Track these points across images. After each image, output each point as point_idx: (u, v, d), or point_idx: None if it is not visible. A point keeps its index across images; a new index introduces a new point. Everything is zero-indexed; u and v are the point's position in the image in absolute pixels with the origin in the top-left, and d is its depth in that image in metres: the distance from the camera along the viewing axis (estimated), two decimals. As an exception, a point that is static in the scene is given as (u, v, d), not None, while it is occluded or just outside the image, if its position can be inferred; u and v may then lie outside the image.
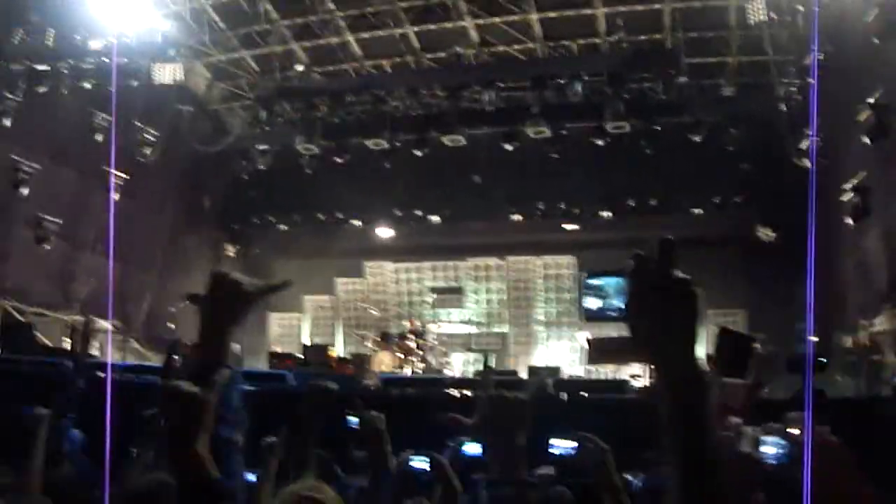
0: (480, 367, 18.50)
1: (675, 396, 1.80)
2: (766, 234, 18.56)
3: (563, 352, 21.02)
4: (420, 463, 4.65)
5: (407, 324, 20.80)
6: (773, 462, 4.69)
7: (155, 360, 18.51)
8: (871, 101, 13.65)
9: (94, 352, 17.26)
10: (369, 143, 19.93)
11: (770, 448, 4.76)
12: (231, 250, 22.84)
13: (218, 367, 2.48)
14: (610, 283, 18.93)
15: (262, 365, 18.37)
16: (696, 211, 20.00)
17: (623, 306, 1.92)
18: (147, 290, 20.11)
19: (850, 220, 14.69)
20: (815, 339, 16.56)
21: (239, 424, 2.61)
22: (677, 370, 1.81)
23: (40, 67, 16.76)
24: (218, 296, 2.59)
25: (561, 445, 5.03)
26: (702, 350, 1.79)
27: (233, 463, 2.52)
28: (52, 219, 17.35)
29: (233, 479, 2.48)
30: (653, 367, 1.87)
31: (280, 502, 2.95)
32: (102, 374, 13.46)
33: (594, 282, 18.43)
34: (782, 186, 17.59)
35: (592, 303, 18.39)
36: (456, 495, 4.08)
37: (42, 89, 16.82)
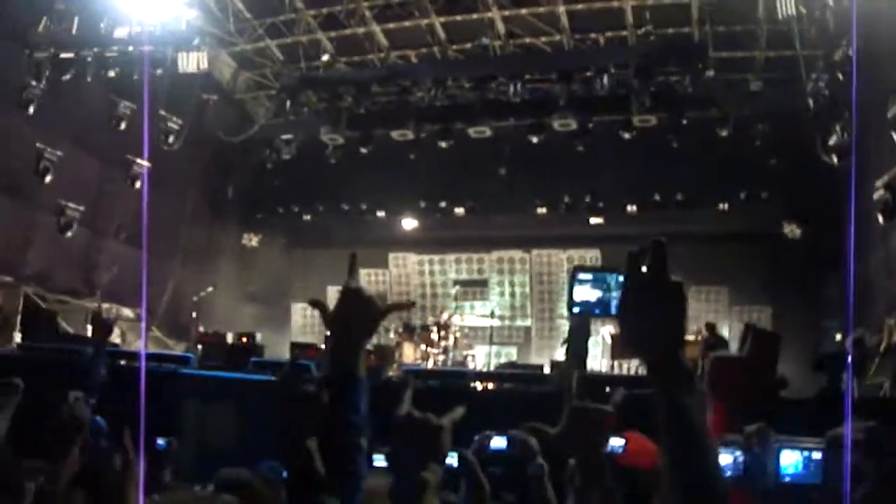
0: (504, 359, 18.46)
1: (664, 393, 1.84)
2: (792, 230, 18.41)
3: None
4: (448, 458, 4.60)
5: (430, 316, 20.75)
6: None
7: (176, 349, 18.59)
8: (902, 96, 13.48)
9: (116, 339, 17.43)
10: (394, 133, 19.90)
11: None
12: (254, 240, 22.84)
13: (351, 378, 2.71)
14: (600, 278, 18.61)
15: (285, 355, 18.33)
16: (722, 206, 19.83)
17: (613, 303, 2.03)
18: (169, 278, 20.13)
19: (880, 218, 14.50)
20: (839, 337, 16.49)
21: (364, 430, 2.76)
22: (665, 369, 1.87)
23: (65, 55, 16.79)
24: (350, 312, 2.74)
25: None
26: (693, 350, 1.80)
27: (358, 465, 2.68)
28: (75, 206, 17.38)
29: (356, 481, 2.68)
30: (643, 364, 1.92)
31: None
32: (122, 362, 13.62)
33: (585, 276, 18.09)
34: (809, 183, 17.47)
35: (580, 294, 17.92)
36: (483, 491, 4.07)
37: (66, 77, 16.84)
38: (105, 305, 17.15)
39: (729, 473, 4.52)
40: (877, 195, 14.50)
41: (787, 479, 4.59)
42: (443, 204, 22.10)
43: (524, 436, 4.51)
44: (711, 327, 17.00)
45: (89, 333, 15.89)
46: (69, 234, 17.46)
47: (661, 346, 1.88)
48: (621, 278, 2.12)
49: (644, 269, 1.96)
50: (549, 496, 4.18)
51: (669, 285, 1.92)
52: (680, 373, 1.86)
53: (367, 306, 2.73)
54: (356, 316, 2.73)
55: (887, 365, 13.90)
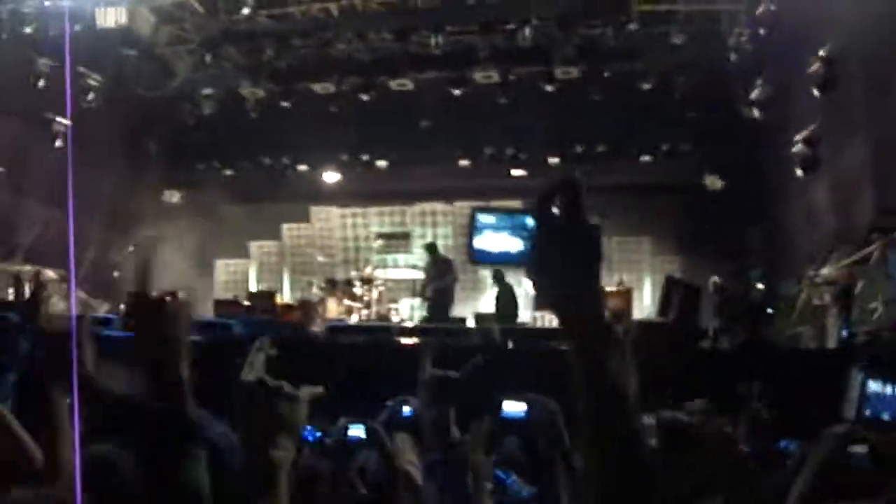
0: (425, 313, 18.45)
1: (581, 353, 1.71)
2: (713, 181, 18.66)
3: (513, 240, 20.79)
4: (356, 431, 4.48)
5: (354, 270, 20.69)
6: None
7: (101, 309, 18.30)
8: (822, 53, 13.68)
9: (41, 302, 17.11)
10: (316, 87, 19.82)
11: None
12: (176, 196, 22.53)
13: None
14: (505, 222, 18.20)
15: (209, 313, 18.14)
16: (644, 158, 19.99)
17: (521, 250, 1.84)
18: (91, 238, 19.79)
19: (800, 172, 14.78)
20: (761, 286, 16.83)
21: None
22: (581, 326, 1.72)
23: (-20, 12, 16.37)
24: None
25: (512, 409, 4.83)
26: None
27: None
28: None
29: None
30: (557, 317, 1.76)
31: None
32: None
33: (486, 219, 17.57)
34: (730, 136, 17.70)
35: (484, 243, 17.40)
36: (393, 461, 3.92)
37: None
38: (28, 267, 16.81)
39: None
40: (796, 149, 14.76)
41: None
42: (365, 157, 21.98)
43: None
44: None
45: (11, 297, 15.64)
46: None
47: (575, 300, 1.71)
48: (530, 221, 1.80)
49: (556, 210, 1.73)
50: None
51: (584, 229, 1.72)
52: (598, 329, 1.70)
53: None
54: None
55: (809, 314, 14.20)
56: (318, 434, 5.25)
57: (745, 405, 5.65)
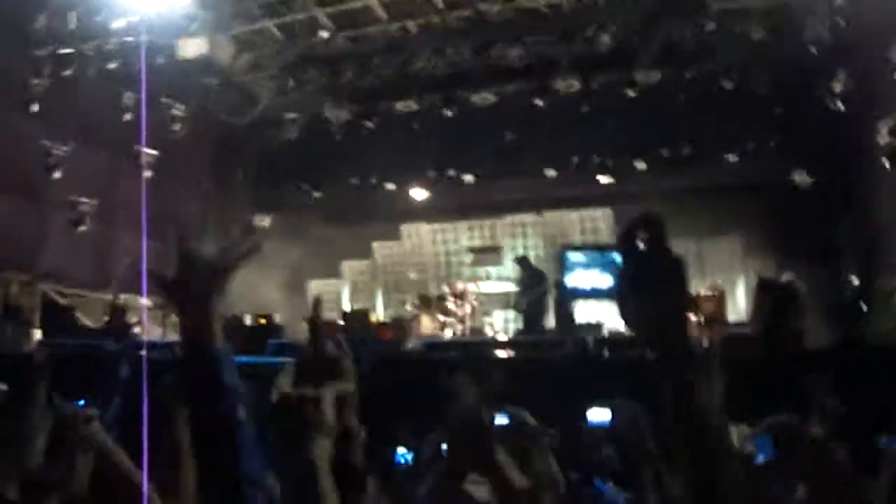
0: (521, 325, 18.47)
1: (669, 376, 1.77)
2: (802, 178, 18.33)
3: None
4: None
5: (446, 286, 20.78)
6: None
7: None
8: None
9: (135, 330, 17.56)
10: (398, 105, 19.95)
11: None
12: (267, 220, 22.85)
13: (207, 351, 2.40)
14: (594, 259, 17.88)
15: (304, 334, 18.33)
16: (731, 157, 19.70)
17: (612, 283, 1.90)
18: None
19: (887, 163, 14.47)
20: (855, 282, 16.50)
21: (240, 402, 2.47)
22: (671, 350, 1.78)
23: (65, 51, 16.82)
24: (187, 276, 2.44)
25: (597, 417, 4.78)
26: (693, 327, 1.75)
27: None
28: (86, 200, 17.45)
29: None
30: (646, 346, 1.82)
31: None
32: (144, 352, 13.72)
33: (576, 257, 17.22)
34: (817, 130, 17.40)
35: (575, 281, 17.13)
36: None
37: (68, 72, 16.89)
38: (123, 297, 17.22)
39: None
40: (882, 140, 14.47)
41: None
42: (451, 172, 22.03)
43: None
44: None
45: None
46: (82, 228, 17.54)
47: (664, 332, 1.79)
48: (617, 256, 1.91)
49: (641, 244, 1.84)
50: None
51: (669, 262, 1.83)
52: (684, 354, 1.78)
53: (203, 264, 2.40)
54: (195, 279, 2.39)
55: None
56: (411, 454, 5.29)
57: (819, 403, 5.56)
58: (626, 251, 1.84)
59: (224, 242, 2.45)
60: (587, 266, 16.18)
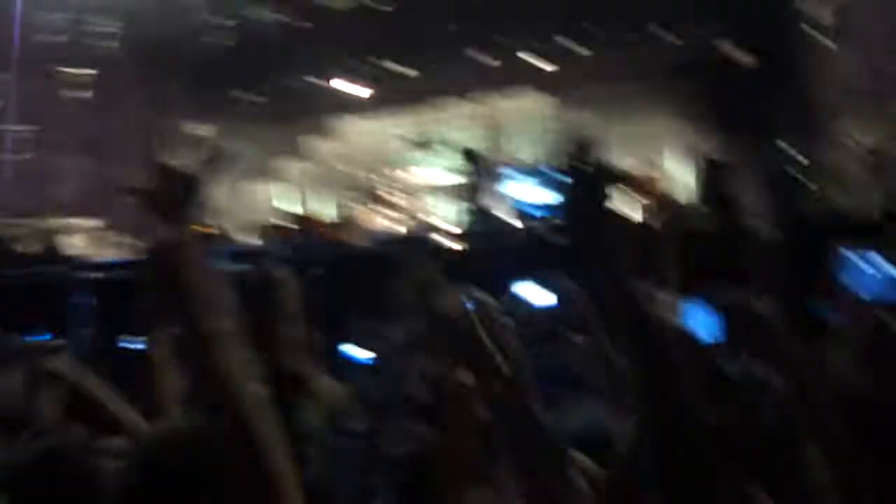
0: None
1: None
2: (742, 56, 18.41)
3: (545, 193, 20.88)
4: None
5: (392, 181, 20.74)
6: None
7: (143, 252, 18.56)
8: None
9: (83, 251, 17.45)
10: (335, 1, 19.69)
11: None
12: (204, 129, 22.56)
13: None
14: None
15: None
16: (668, 37, 19.67)
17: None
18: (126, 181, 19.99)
19: (831, 44, 14.57)
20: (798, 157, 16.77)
21: None
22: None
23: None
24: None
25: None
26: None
27: None
28: (20, 128, 17.15)
29: None
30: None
31: None
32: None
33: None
34: (755, 6, 17.42)
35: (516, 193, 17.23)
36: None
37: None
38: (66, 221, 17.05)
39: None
40: (824, 16, 14.56)
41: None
42: (390, 65, 21.83)
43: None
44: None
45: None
46: (23, 155, 17.29)
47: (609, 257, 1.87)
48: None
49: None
50: None
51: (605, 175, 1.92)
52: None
53: (181, 175, 2.67)
54: (174, 190, 2.64)
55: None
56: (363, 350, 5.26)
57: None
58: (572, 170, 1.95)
59: (193, 155, 2.62)
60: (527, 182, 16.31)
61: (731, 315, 3.37)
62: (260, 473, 2.16)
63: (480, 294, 3.86)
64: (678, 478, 1.85)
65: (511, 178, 17.37)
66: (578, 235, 1.83)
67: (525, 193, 15.64)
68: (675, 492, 1.84)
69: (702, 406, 1.77)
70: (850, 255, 3.89)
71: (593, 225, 1.64)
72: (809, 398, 2.95)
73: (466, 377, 2.75)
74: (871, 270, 3.77)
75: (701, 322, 3.47)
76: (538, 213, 14.84)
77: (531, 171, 20.04)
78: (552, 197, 14.53)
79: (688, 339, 2.74)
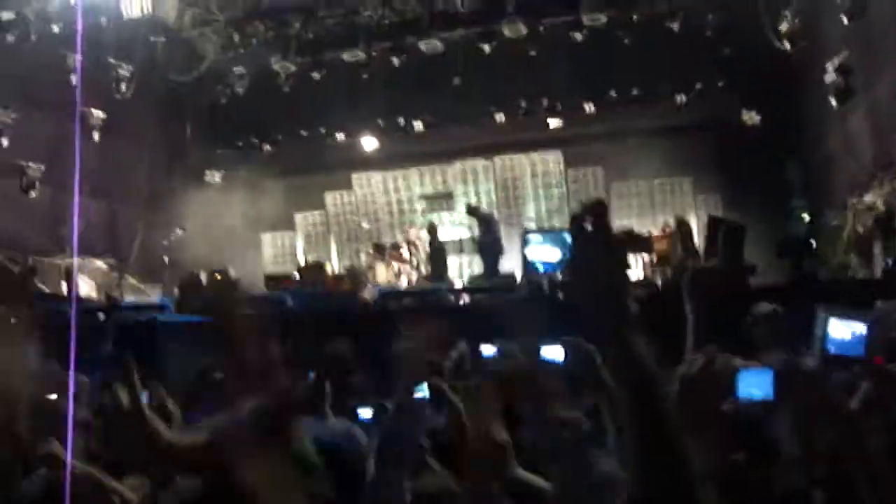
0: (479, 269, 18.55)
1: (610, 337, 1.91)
2: (751, 117, 18.50)
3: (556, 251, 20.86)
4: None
5: (399, 233, 20.78)
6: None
7: (152, 294, 18.61)
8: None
9: (91, 292, 17.50)
10: (346, 55, 19.84)
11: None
12: (217, 176, 22.67)
13: None
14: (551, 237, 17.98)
15: (260, 288, 18.29)
16: (679, 98, 19.76)
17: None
18: (136, 224, 20.09)
19: (834, 102, 14.64)
20: (807, 217, 16.78)
21: None
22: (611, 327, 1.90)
23: (5, 16, 16.52)
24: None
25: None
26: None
27: None
28: (35, 165, 17.24)
29: None
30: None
31: None
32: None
33: (535, 238, 17.28)
34: (764, 70, 17.53)
35: (533, 254, 17.32)
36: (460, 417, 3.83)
37: (10, 38, 16.61)
38: (78, 260, 17.10)
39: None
40: (829, 78, 14.62)
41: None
42: (401, 120, 21.95)
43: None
44: (681, 222, 17.11)
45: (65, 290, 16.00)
46: (33, 193, 17.36)
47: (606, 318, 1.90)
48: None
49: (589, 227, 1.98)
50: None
51: (612, 245, 1.97)
52: (623, 332, 1.88)
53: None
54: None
55: (855, 244, 14.16)
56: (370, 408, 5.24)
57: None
58: (575, 233, 1.95)
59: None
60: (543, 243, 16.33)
61: (782, 375, 3.40)
62: None
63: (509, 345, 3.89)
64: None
65: (520, 234, 17.37)
66: (585, 293, 1.83)
67: (534, 250, 15.64)
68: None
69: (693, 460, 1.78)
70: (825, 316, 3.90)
71: (600, 283, 1.65)
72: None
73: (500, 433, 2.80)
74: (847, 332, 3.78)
75: (753, 382, 3.51)
76: (546, 269, 14.82)
77: (541, 228, 20.11)
78: (561, 254, 14.53)
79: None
